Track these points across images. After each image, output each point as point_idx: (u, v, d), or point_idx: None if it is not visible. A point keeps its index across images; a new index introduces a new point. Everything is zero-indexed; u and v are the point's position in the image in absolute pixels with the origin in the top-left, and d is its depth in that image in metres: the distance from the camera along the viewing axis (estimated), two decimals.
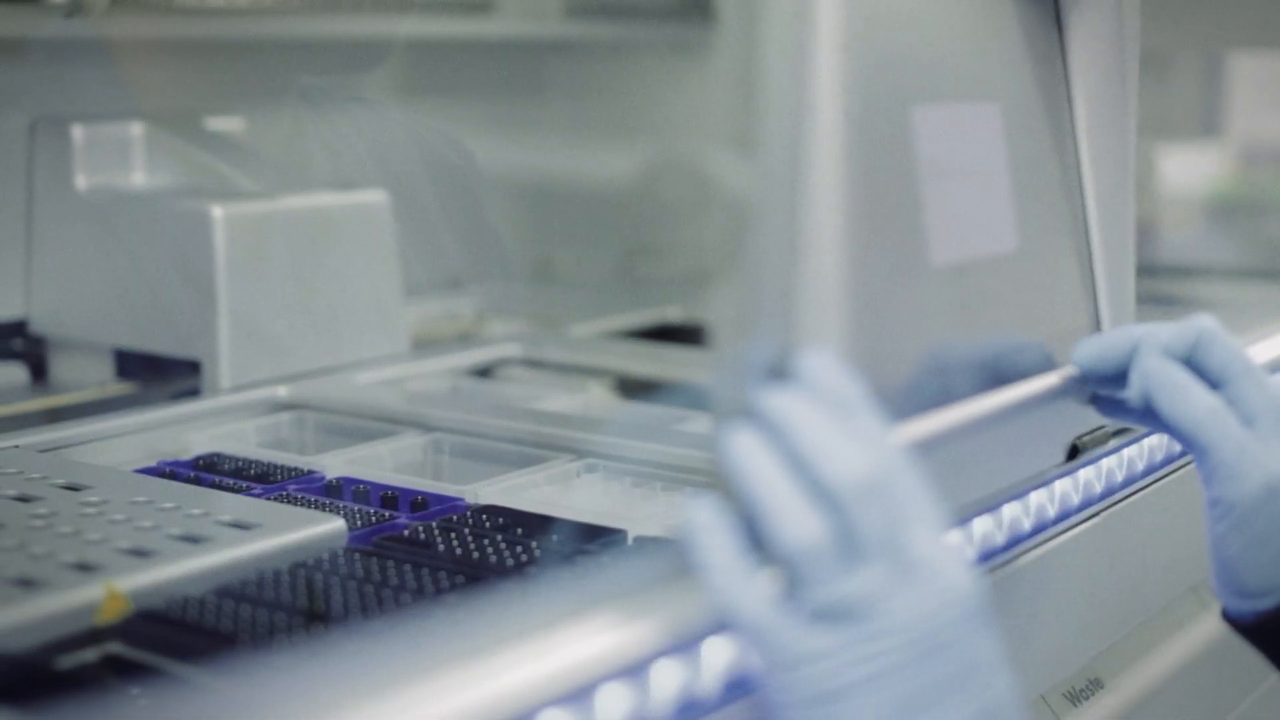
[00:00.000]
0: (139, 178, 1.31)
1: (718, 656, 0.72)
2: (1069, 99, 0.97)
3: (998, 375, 0.89)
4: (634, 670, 0.68)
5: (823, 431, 0.70)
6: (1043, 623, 1.01)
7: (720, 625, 0.71)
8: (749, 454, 0.70)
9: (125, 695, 0.74)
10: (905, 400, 0.81)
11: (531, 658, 0.65)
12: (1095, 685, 1.06)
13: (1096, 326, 0.98)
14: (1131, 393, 0.89)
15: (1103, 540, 1.05)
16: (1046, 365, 0.92)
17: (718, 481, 0.72)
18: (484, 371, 1.37)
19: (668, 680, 0.70)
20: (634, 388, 1.33)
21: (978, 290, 0.88)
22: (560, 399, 1.25)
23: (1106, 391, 0.92)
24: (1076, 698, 1.04)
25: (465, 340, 1.44)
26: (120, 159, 1.30)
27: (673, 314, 1.59)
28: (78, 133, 1.28)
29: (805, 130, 0.72)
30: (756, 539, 0.70)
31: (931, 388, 0.84)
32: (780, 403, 0.71)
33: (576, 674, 0.66)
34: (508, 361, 1.38)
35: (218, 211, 1.21)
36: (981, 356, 0.89)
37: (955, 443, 0.83)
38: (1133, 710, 1.08)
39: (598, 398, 1.29)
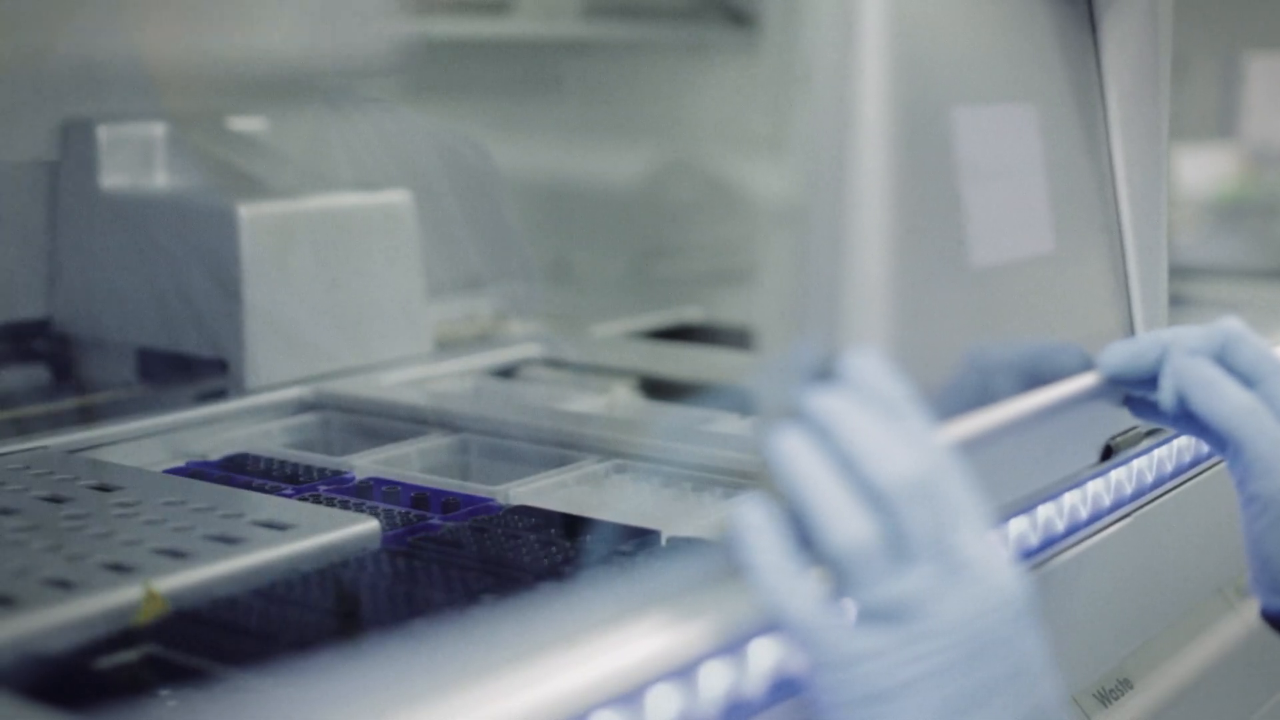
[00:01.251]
0: (163, 178, 1.31)
1: (764, 657, 0.72)
2: (1102, 101, 0.97)
3: (1034, 377, 0.89)
4: (683, 671, 0.68)
5: (870, 432, 0.70)
6: (1074, 624, 1.01)
7: (768, 626, 0.71)
8: (796, 455, 0.70)
9: (162, 697, 0.74)
10: (945, 401, 0.81)
11: (585, 660, 0.65)
12: (1124, 685, 1.06)
13: (1130, 328, 0.98)
14: (1164, 395, 0.89)
15: (1132, 541, 1.05)
16: (1082, 366, 0.92)
17: (763, 481, 0.72)
18: (506, 372, 1.36)
19: (716, 681, 0.70)
20: (657, 388, 1.33)
21: (1014, 292, 0.88)
22: (584, 400, 1.25)
23: (1139, 394, 0.93)
24: (1106, 698, 1.04)
25: (485, 341, 1.44)
26: (144, 159, 1.30)
27: (691, 314, 1.59)
28: (103, 133, 1.27)
29: (851, 129, 0.72)
30: (803, 539, 0.70)
31: (969, 389, 0.84)
32: (827, 403, 0.71)
33: (629, 676, 0.66)
34: (529, 362, 1.38)
35: (244, 211, 1.21)
36: (1018, 358, 0.89)
37: (992, 444, 0.83)
38: (1161, 710, 1.08)
39: (622, 399, 1.29)
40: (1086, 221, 0.95)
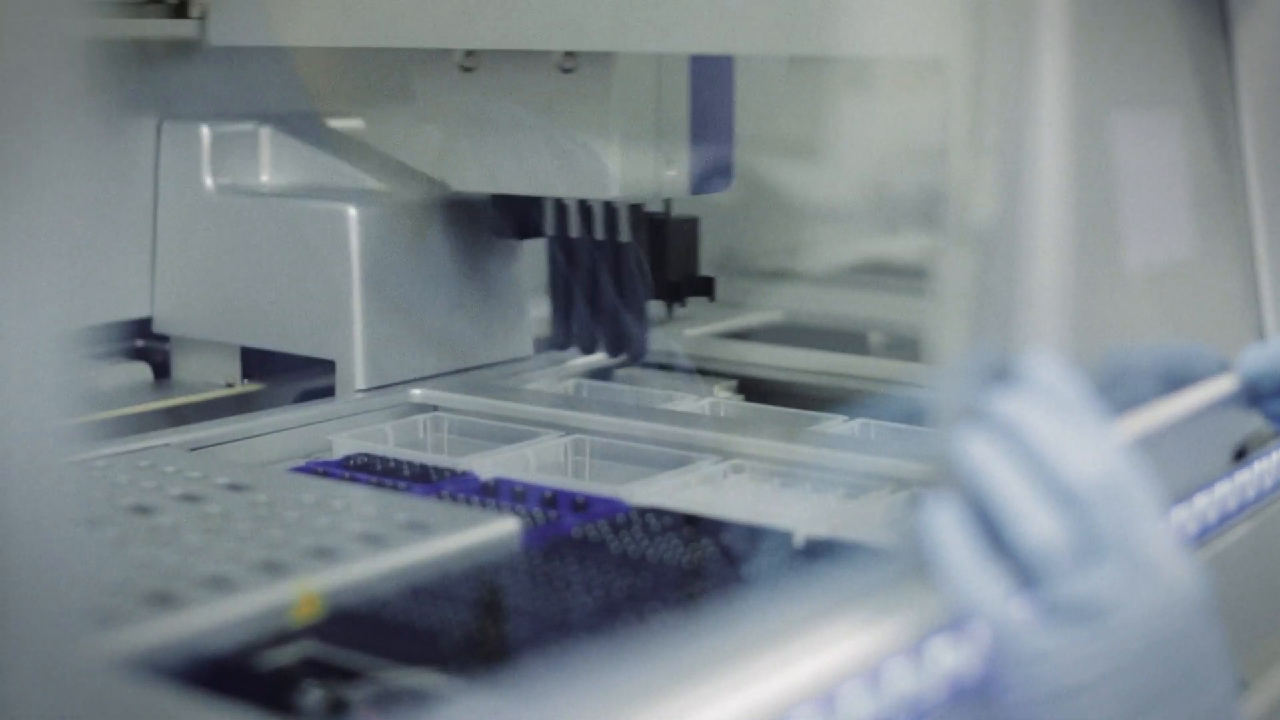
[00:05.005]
0: (265, 178, 1.31)
1: (946, 656, 0.72)
2: (1234, 105, 0.98)
3: (1170, 379, 0.90)
4: (872, 672, 0.69)
5: (1057, 433, 0.71)
6: None
7: (949, 624, 0.72)
8: (985, 456, 0.71)
9: (338, 699, 0.74)
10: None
11: (788, 660, 0.65)
12: (1239, 686, 1.07)
13: (1260, 332, 0.99)
14: None
15: (1252, 544, 1.05)
16: (1217, 369, 0.93)
17: (942, 481, 0.72)
18: (602, 373, 1.37)
19: (901, 680, 0.70)
20: (753, 389, 1.34)
21: (1160, 295, 0.89)
22: (688, 400, 1.26)
23: (1275, 402, 0.93)
24: None
25: None
26: (247, 159, 1.30)
27: (774, 316, 1.59)
28: (205, 133, 1.28)
29: (1032, 133, 0.73)
30: (988, 537, 0.71)
31: (1107, 391, 0.84)
32: (1012, 406, 0.72)
33: (826, 676, 0.66)
34: (625, 363, 1.38)
35: (352, 212, 1.21)
36: (1155, 360, 0.90)
37: (1146, 445, 0.84)
38: (1277, 710, 1.09)
39: (724, 399, 1.30)
40: (1219, 226, 0.96)
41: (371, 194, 1.27)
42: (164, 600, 0.80)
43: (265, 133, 1.31)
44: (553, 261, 1.30)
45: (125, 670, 0.74)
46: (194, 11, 1.26)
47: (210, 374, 1.29)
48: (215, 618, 0.80)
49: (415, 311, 1.25)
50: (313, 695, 0.74)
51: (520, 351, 1.33)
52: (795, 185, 1.40)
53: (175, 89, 1.30)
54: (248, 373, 1.30)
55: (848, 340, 1.51)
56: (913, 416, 1.11)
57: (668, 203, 1.29)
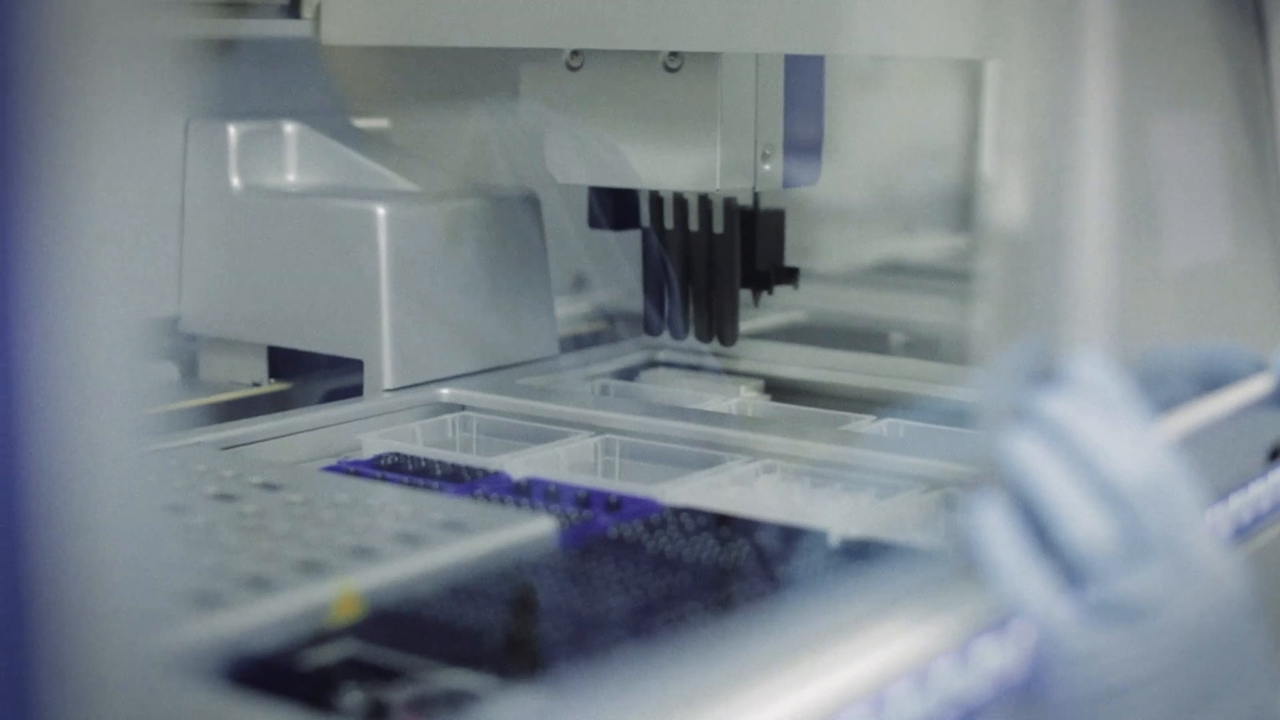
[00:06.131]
0: (292, 177, 1.31)
1: (991, 656, 0.73)
2: (1269, 105, 0.98)
3: (1206, 379, 0.90)
4: (920, 671, 0.69)
5: (1104, 433, 0.71)
6: None
7: (996, 624, 0.72)
8: (1033, 456, 0.71)
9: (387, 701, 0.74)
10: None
11: (838, 661, 0.65)
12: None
13: None
14: None
15: None
16: (1254, 369, 0.92)
17: (988, 481, 0.72)
18: (627, 373, 1.37)
19: (949, 680, 0.71)
20: (781, 389, 1.34)
21: (1197, 295, 0.89)
22: (714, 400, 1.26)
23: None
24: None
25: (595, 341, 1.45)
26: (274, 158, 1.30)
27: (796, 316, 1.59)
28: (233, 132, 1.28)
29: (1077, 135, 0.73)
30: (1034, 537, 0.71)
31: (1152, 390, 0.84)
32: (1059, 405, 0.72)
33: (874, 676, 0.66)
34: (652, 363, 1.39)
35: (381, 211, 1.21)
36: (1191, 360, 0.90)
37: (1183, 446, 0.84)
38: None
39: (751, 399, 1.30)
40: (1255, 224, 0.96)
41: (400, 193, 1.27)
42: (204, 600, 0.80)
43: (292, 131, 1.31)
44: (646, 250, 1.36)
45: (167, 669, 0.73)
46: (306, 12, 1.27)
47: (237, 373, 1.30)
48: (255, 617, 0.80)
49: (443, 311, 1.25)
50: (353, 696, 0.74)
51: (547, 351, 1.33)
52: (827, 184, 1.40)
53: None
54: (273, 372, 1.30)
55: (873, 341, 1.51)
56: (941, 417, 1.12)
57: (756, 195, 1.34)
